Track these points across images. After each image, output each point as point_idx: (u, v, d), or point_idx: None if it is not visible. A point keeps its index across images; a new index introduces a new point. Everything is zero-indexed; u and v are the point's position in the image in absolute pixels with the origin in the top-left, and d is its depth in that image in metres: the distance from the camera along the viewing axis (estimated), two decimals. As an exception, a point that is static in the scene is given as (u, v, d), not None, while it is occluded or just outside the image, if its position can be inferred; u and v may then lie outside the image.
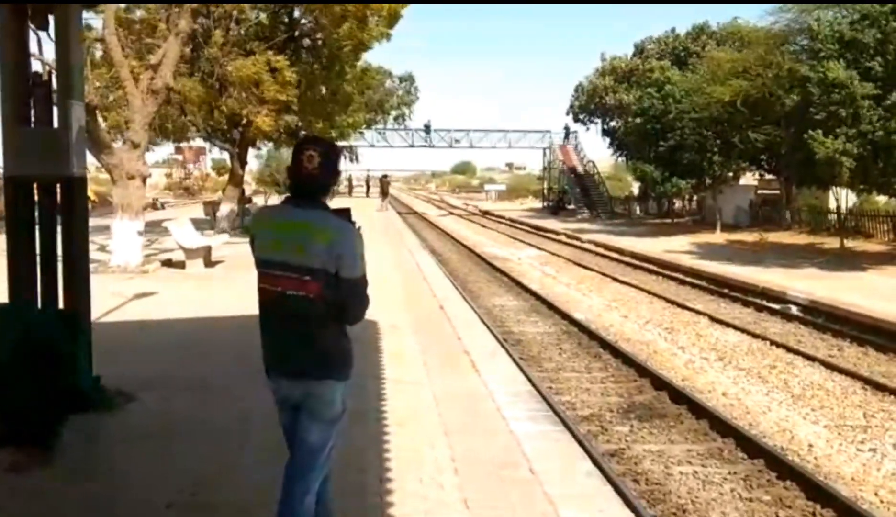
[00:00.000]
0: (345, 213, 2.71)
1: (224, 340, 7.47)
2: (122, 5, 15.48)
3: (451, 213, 46.93)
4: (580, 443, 5.06)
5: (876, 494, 5.43)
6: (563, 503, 3.47)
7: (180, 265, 12.80)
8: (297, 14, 18.39)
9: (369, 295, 2.68)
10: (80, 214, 5.71)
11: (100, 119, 13.32)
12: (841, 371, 8.48)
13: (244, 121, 17.39)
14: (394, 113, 51.09)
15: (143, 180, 12.84)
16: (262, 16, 17.45)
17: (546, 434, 4.51)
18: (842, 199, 21.17)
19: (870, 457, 6.11)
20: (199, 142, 30.21)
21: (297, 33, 18.41)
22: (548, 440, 4.39)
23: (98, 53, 16.02)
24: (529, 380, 7.71)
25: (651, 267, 18.02)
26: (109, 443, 4.68)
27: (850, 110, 14.87)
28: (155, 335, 7.90)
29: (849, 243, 19.63)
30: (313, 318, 2.59)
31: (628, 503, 4.15)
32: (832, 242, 20.24)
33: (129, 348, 7.13)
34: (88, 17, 14.05)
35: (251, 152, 25.36)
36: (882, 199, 21.91)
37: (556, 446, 4.33)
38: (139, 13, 16.13)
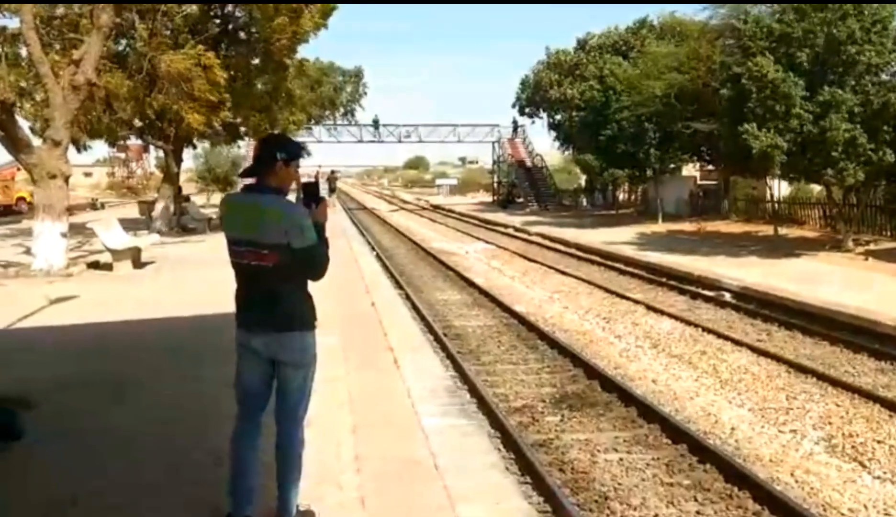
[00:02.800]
0: (312, 187, 3.23)
1: (137, 344, 7.20)
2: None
3: (402, 209, 46.72)
4: (501, 435, 5.00)
5: (792, 474, 5.52)
6: (461, 497, 3.39)
7: (108, 267, 12.34)
8: (229, 7, 17.90)
9: (328, 255, 3.17)
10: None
11: (18, 117, 12.72)
12: (768, 355, 8.64)
13: (176, 117, 16.84)
14: (342, 109, 50.58)
15: (66, 180, 12.32)
16: (193, 7, 16.90)
17: (456, 428, 4.43)
18: (775, 188, 21.76)
19: (789, 439, 6.22)
20: (134, 140, 29.18)
21: (230, 27, 17.94)
22: (457, 434, 4.31)
23: (20, 50, 15.35)
24: (460, 373, 7.72)
25: (594, 258, 18.19)
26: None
27: (781, 107, 15.26)
28: (67, 340, 7.55)
29: (783, 230, 20.20)
30: (275, 283, 3.09)
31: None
32: (767, 230, 20.80)
33: (37, 353, 6.80)
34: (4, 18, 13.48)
35: (190, 151, 24.73)
36: (816, 187, 22.59)
37: (465, 440, 4.25)
38: (60, 9, 15.47)
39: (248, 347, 3.20)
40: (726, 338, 9.54)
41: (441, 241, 23.70)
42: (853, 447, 5.98)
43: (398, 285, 13.70)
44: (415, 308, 11.30)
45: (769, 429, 6.44)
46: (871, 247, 16.69)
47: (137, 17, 15.40)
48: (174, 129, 18.58)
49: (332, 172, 42.50)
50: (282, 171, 3.13)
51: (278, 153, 3.14)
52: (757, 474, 5.29)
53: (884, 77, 16.01)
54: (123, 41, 17.76)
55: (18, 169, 24.19)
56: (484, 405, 6.70)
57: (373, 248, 20.17)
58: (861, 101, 15.05)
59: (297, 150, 3.23)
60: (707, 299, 12.38)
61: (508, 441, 5.84)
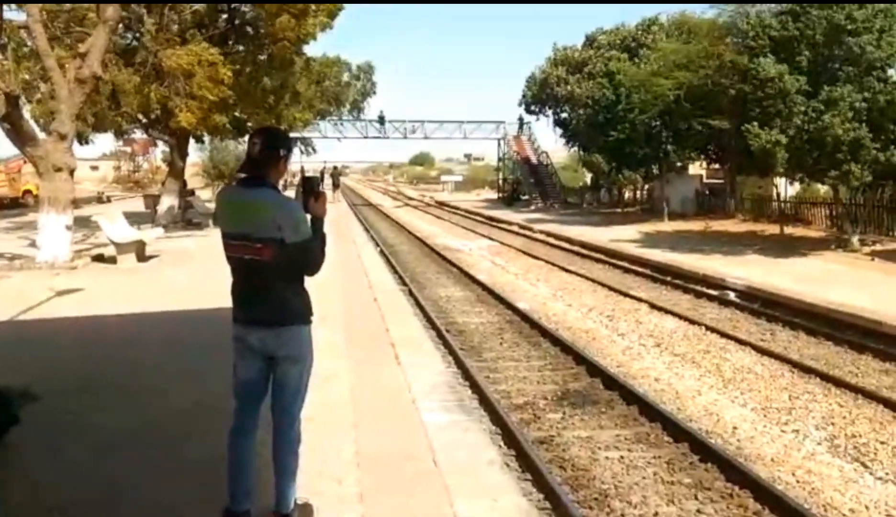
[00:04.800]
0: (312, 182, 3.20)
1: (140, 337, 7.22)
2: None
3: (407, 205, 46.70)
4: (502, 432, 4.99)
5: (793, 474, 5.49)
6: (459, 493, 3.39)
7: (112, 260, 12.37)
8: (235, 3, 17.87)
9: (324, 251, 3.16)
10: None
11: (24, 110, 12.76)
12: (771, 355, 8.60)
13: (173, 113, 16.79)
14: (349, 105, 50.41)
15: (71, 173, 12.35)
16: (199, 6, 16.88)
17: (456, 424, 4.42)
18: (782, 187, 21.66)
19: (792, 439, 6.19)
20: (139, 134, 29.22)
21: (237, 22, 17.91)
22: (457, 430, 4.31)
23: (26, 43, 15.37)
24: (461, 370, 7.71)
25: (598, 256, 18.14)
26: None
27: (782, 105, 15.19)
28: (71, 332, 7.57)
29: (789, 230, 20.11)
30: (270, 277, 3.08)
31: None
32: (773, 229, 20.70)
33: (43, 346, 6.83)
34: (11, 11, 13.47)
35: (196, 145, 24.73)
36: (823, 187, 22.48)
37: (464, 436, 4.25)
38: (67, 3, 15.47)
39: (244, 342, 3.19)
40: (730, 337, 9.50)
41: (445, 238, 23.68)
42: (856, 448, 5.95)
43: (401, 281, 13.69)
44: (417, 304, 11.28)
45: (771, 429, 6.41)
46: (878, 247, 16.59)
47: (145, 11, 15.38)
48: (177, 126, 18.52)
49: (336, 168, 42.50)
50: (281, 165, 3.17)
51: (281, 148, 3.16)
52: (759, 474, 5.27)
53: (893, 74, 15.87)
54: (130, 35, 17.79)
55: (25, 162, 24.27)
56: (485, 401, 6.69)
57: (377, 244, 20.17)
58: (866, 99, 14.93)
59: (292, 144, 3.33)
60: (711, 298, 12.34)
61: (509, 438, 5.82)
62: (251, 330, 3.16)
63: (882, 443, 6.02)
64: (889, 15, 15.34)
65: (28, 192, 31.15)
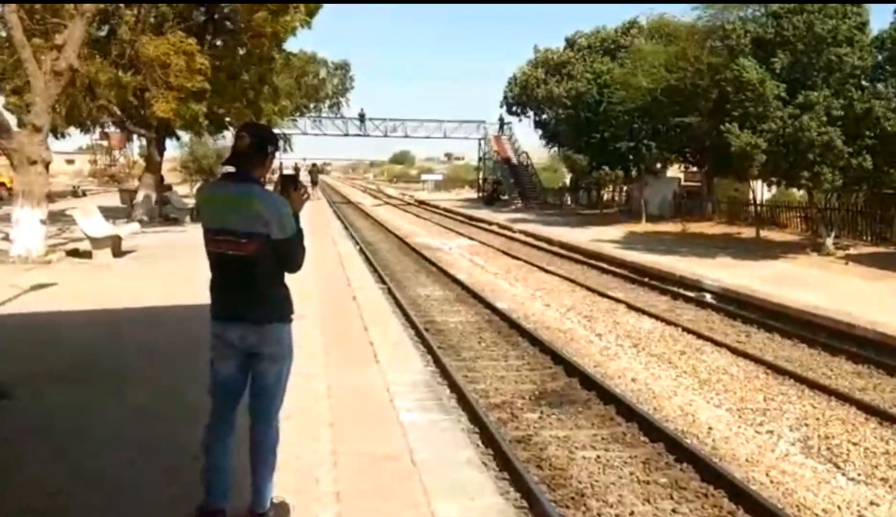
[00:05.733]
0: (291, 180, 3.19)
1: (115, 334, 7.12)
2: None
3: (387, 203, 46.59)
4: (480, 431, 4.98)
5: (767, 474, 5.56)
6: (437, 492, 3.38)
7: (87, 255, 12.18)
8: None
9: (304, 246, 3.14)
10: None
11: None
12: (746, 356, 8.72)
13: (150, 103, 16.57)
14: (328, 101, 50.19)
15: (46, 166, 12.14)
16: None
17: (434, 423, 4.41)
18: (758, 190, 21.93)
19: (766, 439, 6.27)
20: (114, 129, 28.79)
21: (216, 16, 17.72)
22: (435, 430, 4.29)
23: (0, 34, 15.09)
24: (440, 369, 7.71)
25: (577, 256, 18.25)
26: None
27: (759, 109, 15.39)
28: (43, 329, 7.44)
29: (764, 233, 20.37)
30: (252, 273, 3.04)
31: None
32: (749, 232, 20.97)
33: (13, 342, 6.70)
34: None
35: (174, 141, 24.41)
36: (798, 191, 22.81)
37: (442, 436, 4.24)
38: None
39: (222, 339, 3.14)
40: (706, 338, 9.61)
41: (425, 237, 23.66)
42: (829, 448, 6.04)
43: (381, 280, 13.66)
44: (397, 303, 11.26)
45: (746, 430, 6.49)
46: (851, 250, 16.88)
47: (123, 3, 15.16)
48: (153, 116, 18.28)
49: (314, 165, 42.22)
50: (268, 162, 3.17)
51: (269, 145, 3.16)
52: (733, 474, 5.33)
53: (878, 86, 16.10)
54: (106, 27, 17.51)
55: (-2, 154, 23.78)
56: (463, 401, 6.70)
57: (356, 242, 20.10)
58: (843, 106, 15.16)
59: (279, 143, 3.30)
60: (688, 300, 12.46)
61: (487, 437, 5.84)
62: (231, 326, 3.11)
63: (854, 444, 6.12)
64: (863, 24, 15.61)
65: (2, 184, 30.58)
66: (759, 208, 22.34)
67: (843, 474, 5.60)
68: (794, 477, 5.52)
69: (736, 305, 11.71)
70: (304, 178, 52.73)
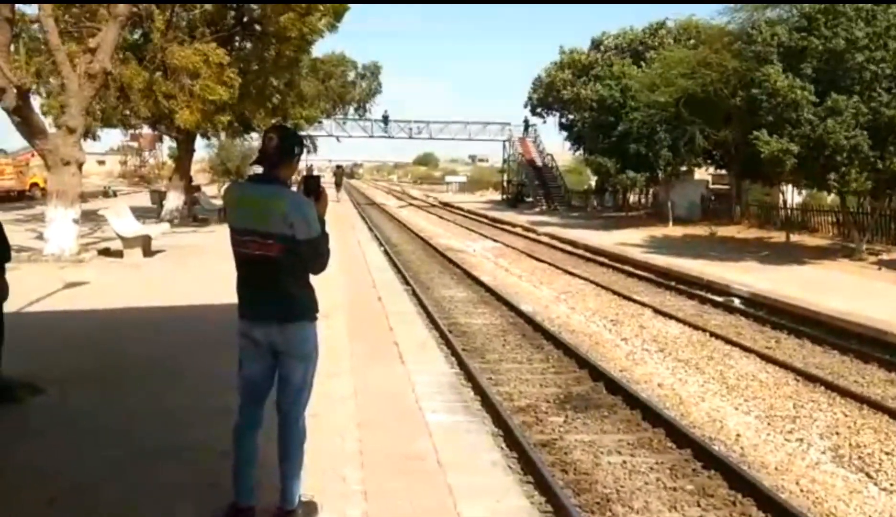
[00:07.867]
0: (314, 180, 3.25)
1: (146, 332, 7.23)
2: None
3: (411, 205, 46.71)
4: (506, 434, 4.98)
5: (797, 483, 5.47)
6: (463, 493, 3.39)
7: (118, 254, 12.41)
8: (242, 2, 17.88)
9: (329, 248, 3.19)
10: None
11: (34, 104, 12.80)
12: (776, 362, 8.59)
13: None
14: (354, 104, 50.49)
15: (80, 167, 12.40)
16: (208, 5, 16.89)
17: (459, 425, 4.42)
18: (788, 195, 21.59)
19: (796, 447, 6.17)
20: (146, 129, 29.25)
21: (245, 19, 17.93)
22: (460, 431, 4.30)
23: (37, 37, 15.41)
24: (464, 371, 7.71)
25: (602, 259, 18.13)
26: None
27: (791, 114, 15.17)
28: (77, 325, 7.59)
29: (795, 238, 20.05)
30: (277, 273, 3.09)
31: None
32: (779, 237, 20.66)
33: (49, 339, 6.84)
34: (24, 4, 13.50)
35: (203, 141, 24.75)
36: (829, 195, 22.42)
37: (468, 438, 4.24)
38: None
39: (249, 338, 3.21)
40: (734, 344, 9.48)
41: (449, 238, 23.68)
42: (860, 457, 5.93)
43: (405, 281, 13.70)
44: (421, 304, 11.29)
45: (775, 437, 6.39)
46: (884, 256, 16.54)
47: (156, 8, 15.39)
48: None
49: (339, 167, 42.37)
50: (294, 164, 3.22)
51: (296, 147, 3.22)
52: (762, 482, 5.25)
53: None
54: (139, 31, 17.82)
55: (33, 155, 24.33)
56: (488, 403, 6.69)
57: (380, 244, 20.18)
58: (872, 110, 14.88)
59: (304, 145, 3.40)
60: (716, 304, 12.31)
61: (511, 440, 5.83)
62: (257, 326, 3.17)
63: (887, 453, 5.99)
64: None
65: (35, 184, 31.21)
66: (789, 212, 21.99)
67: (876, 484, 5.49)
68: (825, 486, 5.43)
69: (765, 311, 11.54)
70: (329, 179, 53.24)
